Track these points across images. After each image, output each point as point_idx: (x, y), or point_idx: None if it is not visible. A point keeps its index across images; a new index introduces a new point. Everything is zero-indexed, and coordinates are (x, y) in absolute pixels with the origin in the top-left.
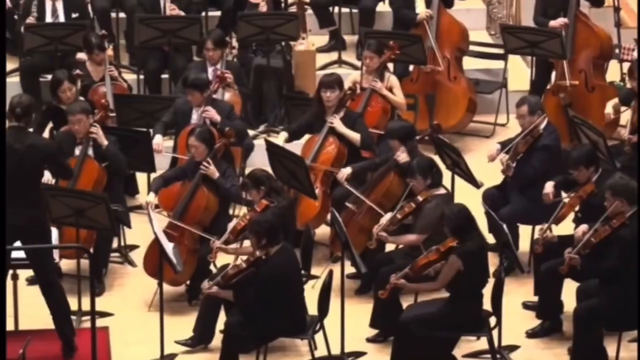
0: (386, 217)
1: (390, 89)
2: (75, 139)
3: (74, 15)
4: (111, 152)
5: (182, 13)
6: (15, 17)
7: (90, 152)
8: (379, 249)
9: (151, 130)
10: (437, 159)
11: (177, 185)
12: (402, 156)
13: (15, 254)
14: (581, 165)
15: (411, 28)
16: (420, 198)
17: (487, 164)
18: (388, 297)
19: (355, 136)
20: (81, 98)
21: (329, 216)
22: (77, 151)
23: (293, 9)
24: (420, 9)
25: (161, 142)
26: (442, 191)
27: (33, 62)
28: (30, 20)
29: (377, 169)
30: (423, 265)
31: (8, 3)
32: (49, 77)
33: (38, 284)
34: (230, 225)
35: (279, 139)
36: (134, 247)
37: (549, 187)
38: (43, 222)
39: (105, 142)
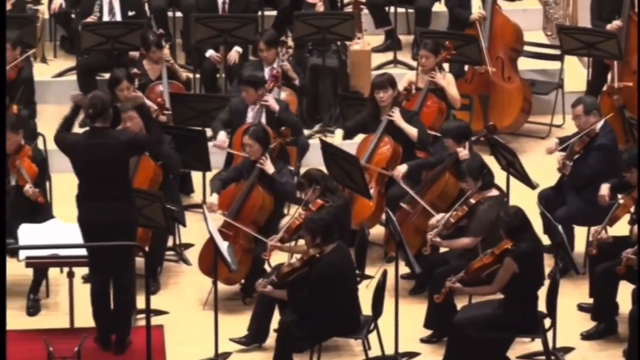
0: (436, 218)
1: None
2: None
3: (130, 13)
4: (165, 151)
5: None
6: (73, 15)
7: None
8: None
9: (207, 130)
10: (492, 159)
11: (232, 185)
12: (464, 153)
13: (74, 252)
14: (633, 167)
15: (466, 28)
16: (473, 200)
17: (542, 165)
18: (443, 301)
19: (412, 131)
20: (139, 94)
21: (383, 216)
22: None
23: (349, 9)
24: (476, 8)
25: (226, 139)
26: (494, 192)
27: (90, 61)
28: (93, 19)
29: (432, 167)
30: (478, 269)
31: (62, 3)
32: (106, 75)
33: (113, 286)
34: (285, 224)
35: (336, 135)
36: (189, 245)
37: (604, 189)
38: (134, 220)
39: None
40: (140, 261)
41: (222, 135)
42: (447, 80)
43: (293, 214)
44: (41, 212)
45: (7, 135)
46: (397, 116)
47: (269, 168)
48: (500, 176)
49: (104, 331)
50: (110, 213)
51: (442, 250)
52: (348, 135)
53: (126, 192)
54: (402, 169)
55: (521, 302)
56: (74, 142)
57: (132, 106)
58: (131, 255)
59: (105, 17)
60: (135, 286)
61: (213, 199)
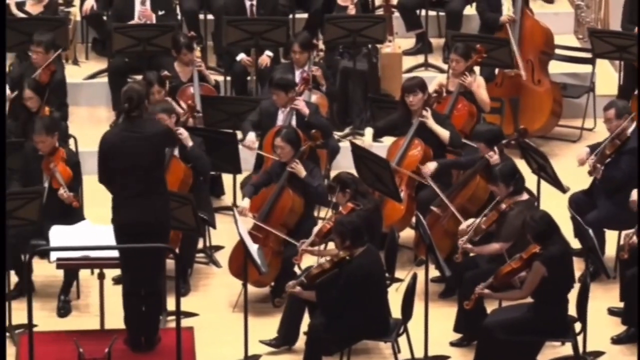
0: (466, 224)
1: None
2: None
3: (160, 13)
4: (195, 153)
5: (153, 16)
6: (104, 17)
7: (176, 152)
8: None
9: (238, 132)
10: (522, 162)
11: (263, 188)
12: (495, 157)
13: (105, 253)
14: None
15: (495, 31)
16: (503, 206)
17: (573, 169)
18: (473, 307)
19: (444, 133)
20: (168, 99)
21: (413, 219)
22: None
23: (380, 12)
24: (507, 11)
25: (255, 140)
26: (525, 197)
27: (120, 63)
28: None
29: (462, 168)
30: (507, 274)
31: (94, 5)
32: (137, 77)
33: (143, 292)
34: (316, 228)
35: (366, 134)
36: (219, 247)
37: (635, 194)
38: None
39: (190, 143)
40: (170, 263)
41: (252, 136)
42: (477, 83)
43: (325, 217)
44: (73, 213)
45: (41, 137)
46: (428, 117)
47: (301, 171)
48: (530, 180)
49: (134, 333)
50: (145, 212)
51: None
52: (378, 135)
53: (162, 190)
54: (431, 166)
55: (551, 305)
56: (113, 134)
57: (160, 109)
58: (163, 257)
59: (136, 15)
60: (165, 288)
61: (245, 203)
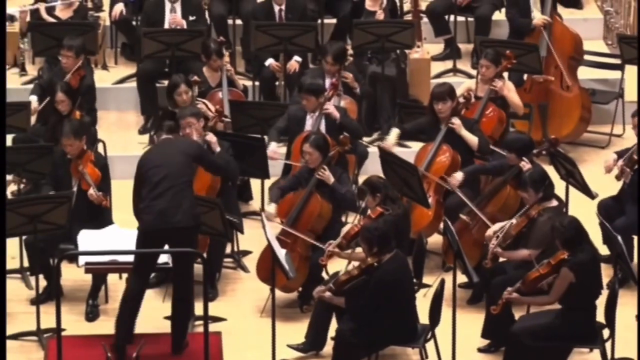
0: (493, 229)
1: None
2: None
3: (191, 18)
4: (223, 159)
5: (183, 22)
6: (134, 23)
7: None
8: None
9: (266, 137)
10: (551, 168)
11: (291, 193)
12: (527, 167)
13: (133, 258)
14: None
15: (525, 36)
16: (533, 212)
17: (602, 175)
18: (500, 312)
19: (473, 139)
20: (200, 99)
21: (441, 225)
22: None
23: (409, 17)
24: (538, 15)
25: (277, 150)
26: (554, 203)
27: (149, 68)
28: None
29: (489, 173)
30: (535, 279)
31: (123, 10)
32: (166, 82)
33: (173, 297)
34: (344, 230)
35: (390, 134)
36: (247, 252)
37: None
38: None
39: (218, 149)
40: (198, 268)
41: (273, 146)
42: (507, 88)
43: (353, 220)
44: (101, 217)
45: (69, 140)
46: (458, 124)
47: (329, 178)
48: (559, 186)
49: (123, 338)
50: (173, 217)
51: (500, 259)
52: (404, 138)
53: (188, 195)
54: (458, 176)
55: (579, 312)
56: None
57: (190, 112)
58: (192, 262)
59: (167, 20)
60: (193, 293)
61: (271, 208)
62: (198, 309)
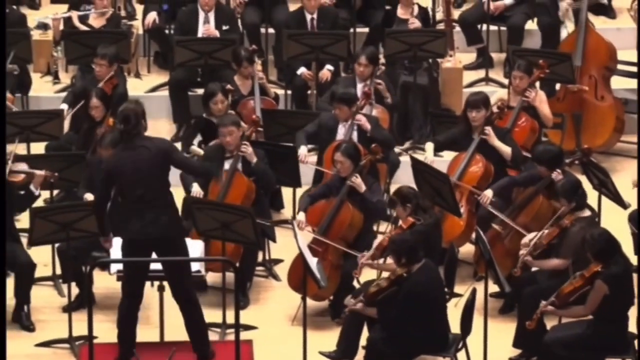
0: (529, 237)
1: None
2: (224, 152)
3: (224, 28)
4: (260, 169)
5: (217, 34)
6: (167, 31)
7: (239, 166)
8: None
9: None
10: (584, 178)
11: (322, 201)
12: (559, 178)
13: (154, 266)
14: None
15: (556, 38)
16: (565, 221)
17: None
18: (535, 327)
19: (506, 150)
20: (231, 111)
21: (473, 235)
22: (226, 165)
23: (441, 26)
24: (570, 28)
25: (306, 153)
26: (587, 213)
27: (181, 77)
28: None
29: (519, 185)
30: (569, 293)
31: (156, 19)
32: (198, 91)
33: (175, 300)
34: (377, 241)
35: (427, 149)
36: (278, 261)
37: None
38: (180, 233)
39: (254, 159)
40: (230, 276)
41: (303, 150)
42: (539, 98)
43: (385, 230)
44: None
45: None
46: (491, 135)
47: (360, 186)
48: (592, 196)
49: (126, 353)
50: (154, 227)
51: (533, 269)
52: (438, 149)
53: (169, 203)
54: (488, 194)
55: (611, 322)
56: (113, 156)
57: (231, 121)
58: (188, 269)
59: (200, 29)
60: (194, 293)
61: (301, 217)
62: (229, 317)
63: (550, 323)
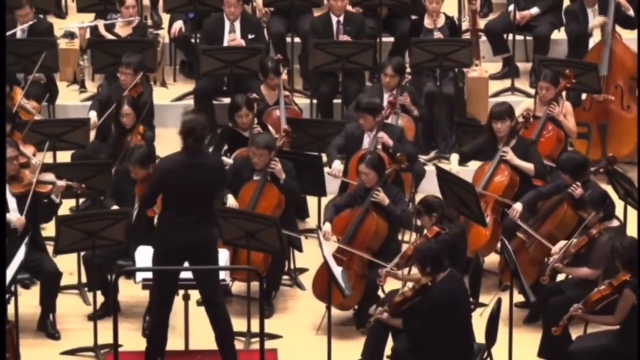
0: (559, 246)
1: (563, 115)
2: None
3: (250, 37)
4: (288, 185)
5: (242, 42)
6: (193, 40)
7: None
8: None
9: (323, 155)
10: (609, 188)
11: (347, 210)
12: (578, 191)
13: (189, 275)
14: None
15: (584, 47)
16: (593, 231)
17: None
18: (561, 333)
19: (529, 167)
20: (256, 126)
21: (498, 244)
22: (255, 176)
23: (467, 36)
24: (597, 38)
25: (341, 168)
26: (615, 223)
27: (207, 86)
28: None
29: (546, 197)
30: (596, 301)
31: (182, 28)
32: (223, 100)
33: (203, 302)
34: (402, 251)
35: (452, 160)
36: (303, 270)
37: None
38: (215, 241)
39: (283, 176)
40: (255, 285)
41: (337, 164)
42: (565, 110)
43: (410, 239)
44: None
45: (135, 169)
46: (510, 156)
47: (384, 200)
48: (618, 205)
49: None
50: (199, 234)
51: (558, 278)
52: (463, 160)
53: (213, 217)
54: (518, 207)
55: (638, 332)
56: (173, 161)
57: (265, 144)
58: (218, 277)
59: (226, 38)
60: (221, 294)
61: (327, 227)
62: (254, 325)
63: (575, 333)
